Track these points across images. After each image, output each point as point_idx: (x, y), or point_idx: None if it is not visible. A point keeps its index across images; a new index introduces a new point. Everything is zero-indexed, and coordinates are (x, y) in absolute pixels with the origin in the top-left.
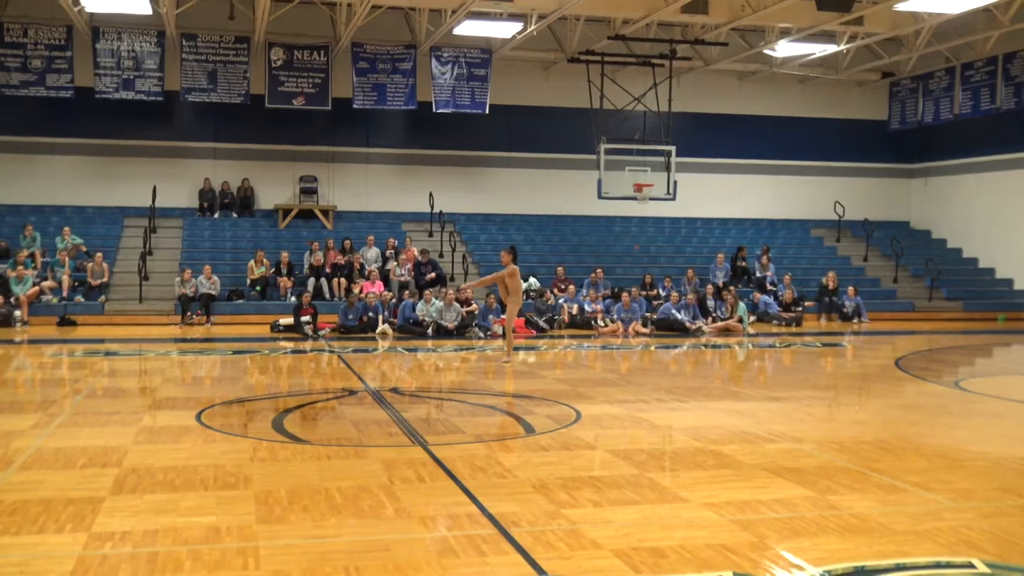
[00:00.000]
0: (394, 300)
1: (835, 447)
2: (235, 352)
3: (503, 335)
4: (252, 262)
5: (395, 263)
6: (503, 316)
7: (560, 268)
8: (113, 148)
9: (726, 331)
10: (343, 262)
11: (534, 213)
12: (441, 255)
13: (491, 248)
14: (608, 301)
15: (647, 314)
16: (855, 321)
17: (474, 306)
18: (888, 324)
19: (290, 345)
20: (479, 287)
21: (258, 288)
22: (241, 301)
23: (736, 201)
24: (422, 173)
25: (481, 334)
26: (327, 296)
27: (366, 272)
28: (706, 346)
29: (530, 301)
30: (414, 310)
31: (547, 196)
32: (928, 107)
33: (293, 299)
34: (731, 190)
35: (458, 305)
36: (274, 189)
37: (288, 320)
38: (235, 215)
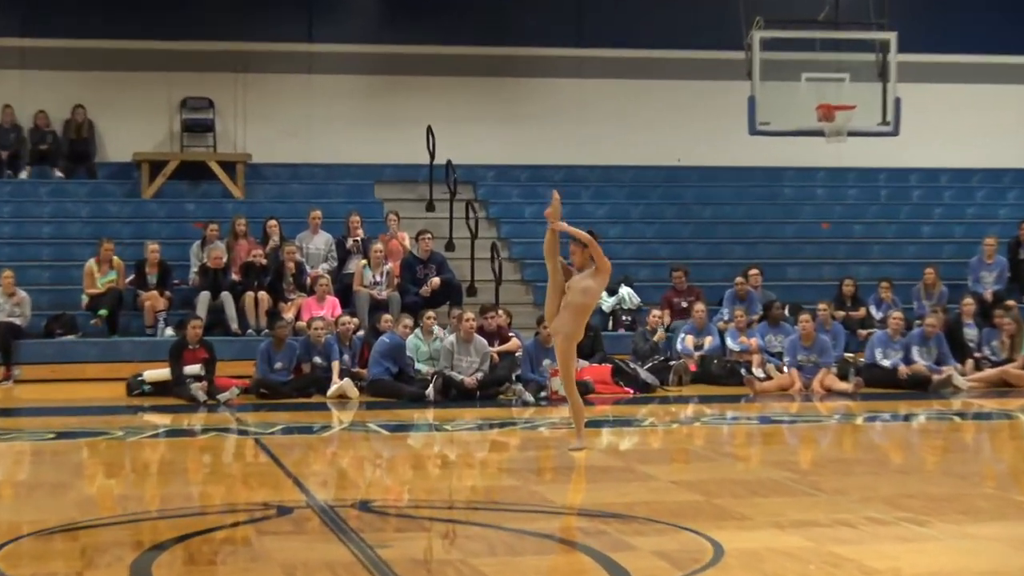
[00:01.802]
0: (362, 332)
1: None
2: (58, 435)
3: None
4: (92, 263)
5: (362, 261)
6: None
7: (678, 272)
8: None
9: (1001, 384)
10: (263, 262)
11: (624, 165)
12: (451, 244)
13: (542, 230)
14: (763, 326)
15: (849, 355)
16: None
17: (514, 342)
18: None
19: (165, 420)
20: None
21: (102, 312)
22: (71, 338)
23: (1017, 137)
24: (412, 91)
25: (527, 396)
26: (234, 327)
27: (306, 279)
28: (963, 415)
29: (621, 332)
30: (402, 351)
31: (649, 133)
32: None
33: (169, 332)
34: (1006, 116)
35: (482, 341)
36: (131, 125)
37: (161, 372)
38: (59, 173)
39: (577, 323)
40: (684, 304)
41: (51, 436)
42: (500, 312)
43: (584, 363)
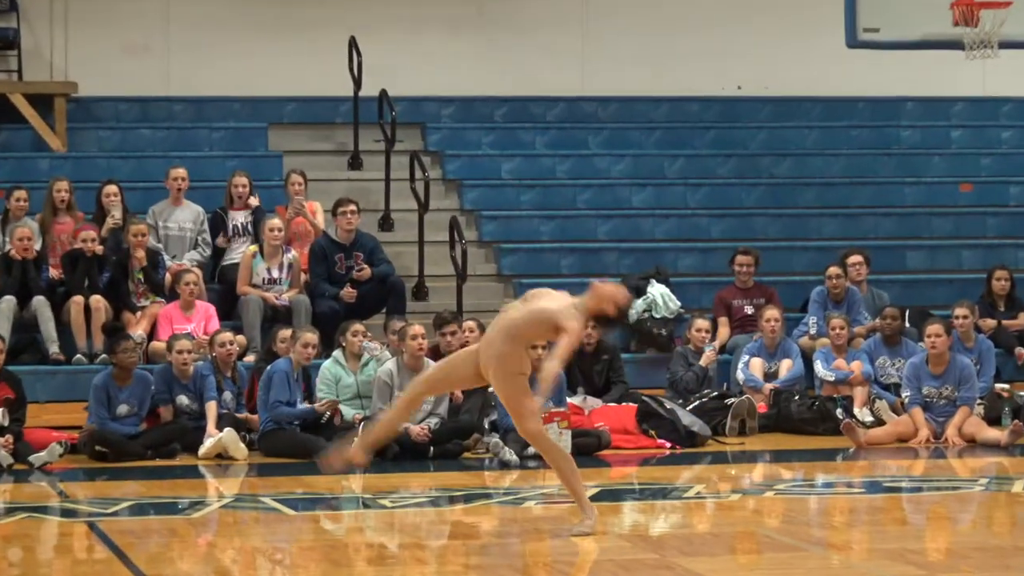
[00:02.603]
0: (251, 358)
1: None
2: None
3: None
4: None
5: (251, 248)
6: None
7: (743, 259)
8: None
9: None
10: (97, 249)
11: (654, 96)
12: (388, 221)
13: (528, 199)
14: (871, 343)
15: (1002, 387)
16: None
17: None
18: None
19: None
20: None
21: None
22: None
23: None
24: None
25: (507, 453)
26: (53, 351)
27: (164, 276)
28: None
29: (652, 354)
30: (307, 384)
31: (692, 47)
32: None
33: None
34: None
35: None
36: None
37: None
38: None
39: (511, 345)
40: (748, 309)
41: None
42: (464, 325)
43: (596, 402)
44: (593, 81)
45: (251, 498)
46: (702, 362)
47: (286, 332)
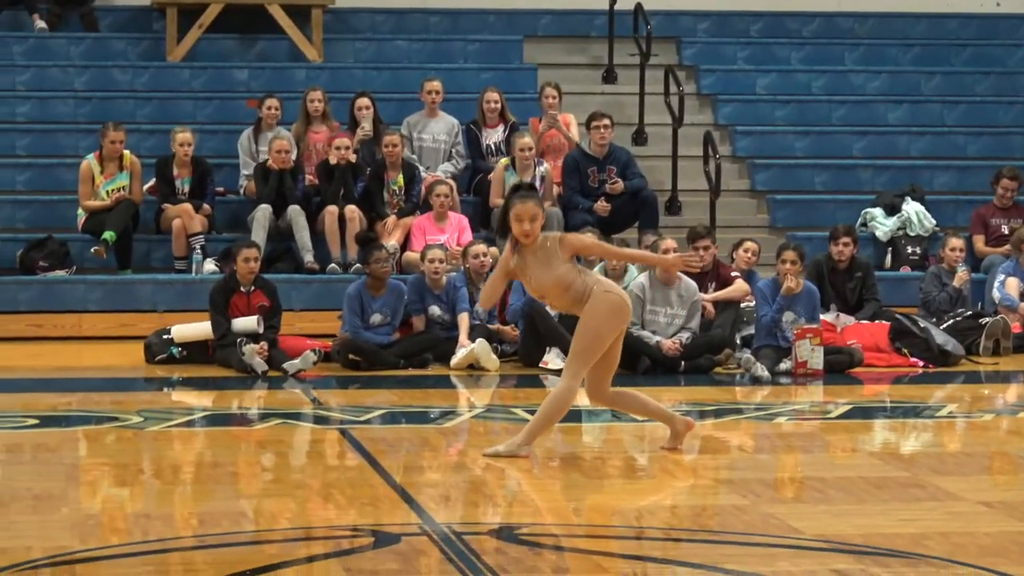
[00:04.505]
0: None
1: None
2: (43, 422)
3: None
4: (91, 160)
5: (504, 160)
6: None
7: (1010, 182)
8: None
9: None
10: (352, 159)
11: (911, 12)
12: (642, 135)
13: (783, 114)
14: None
15: None
16: None
17: (739, 286)
18: None
19: (204, 400)
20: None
21: (108, 236)
22: (60, 275)
23: None
24: None
25: (760, 369)
26: (308, 260)
27: (419, 188)
28: None
29: (906, 272)
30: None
31: None
32: None
33: (210, 268)
34: None
35: (690, 284)
36: None
37: (197, 328)
38: (41, 23)
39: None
40: (1005, 229)
41: (33, 423)
42: (747, 245)
43: (848, 319)
44: None
45: (503, 409)
46: (955, 283)
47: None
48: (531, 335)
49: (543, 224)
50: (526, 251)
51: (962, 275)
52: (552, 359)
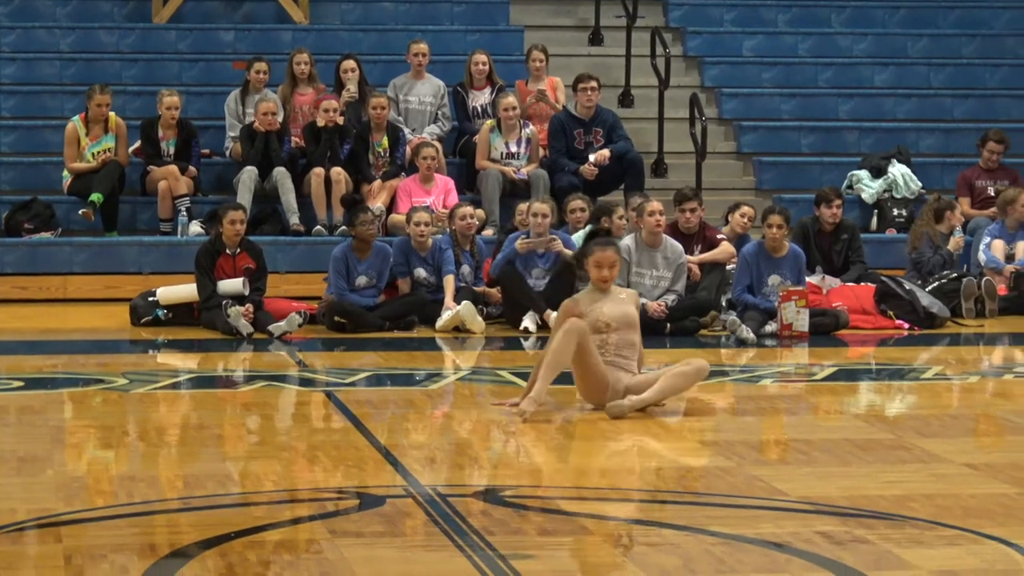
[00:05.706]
0: (490, 231)
1: None
2: (28, 384)
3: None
4: (76, 122)
5: (490, 122)
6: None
7: (996, 145)
8: None
9: None
10: (339, 121)
11: None
12: (628, 97)
13: (769, 76)
14: None
15: None
16: None
17: (724, 248)
18: None
19: (189, 363)
20: None
21: (94, 198)
22: (45, 236)
23: None
24: None
25: (745, 332)
26: (294, 222)
27: (405, 150)
28: None
29: (892, 235)
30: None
31: None
32: None
33: (196, 230)
34: None
35: (676, 246)
36: None
37: (183, 290)
38: None
39: None
40: (991, 191)
41: (18, 385)
42: (743, 210)
43: (834, 282)
44: None
45: (488, 371)
46: (950, 247)
47: (524, 206)
48: (507, 300)
49: None
50: (597, 292)
51: (957, 240)
52: (527, 322)
